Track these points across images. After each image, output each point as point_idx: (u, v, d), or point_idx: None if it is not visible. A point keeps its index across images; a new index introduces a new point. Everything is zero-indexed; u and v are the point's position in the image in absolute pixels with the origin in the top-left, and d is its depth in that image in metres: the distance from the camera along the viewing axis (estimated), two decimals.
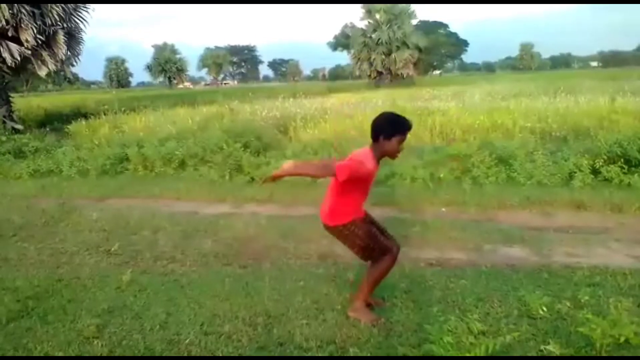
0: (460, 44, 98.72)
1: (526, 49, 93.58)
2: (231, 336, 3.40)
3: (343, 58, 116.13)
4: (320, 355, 3.14)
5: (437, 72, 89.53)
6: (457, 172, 7.93)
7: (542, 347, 3.05)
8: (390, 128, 3.29)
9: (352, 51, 49.59)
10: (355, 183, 3.24)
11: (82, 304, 4.00)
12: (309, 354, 3.15)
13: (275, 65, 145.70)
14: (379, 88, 37.56)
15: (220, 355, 3.16)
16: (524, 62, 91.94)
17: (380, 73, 46.73)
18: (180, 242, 5.58)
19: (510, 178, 7.63)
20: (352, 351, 3.14)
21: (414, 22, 48.01)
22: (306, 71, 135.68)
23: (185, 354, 3.20)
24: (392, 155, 3.39)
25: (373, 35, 46.11)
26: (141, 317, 3.74)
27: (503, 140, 9.70)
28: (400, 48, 45.30)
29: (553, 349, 2.97)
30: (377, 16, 46.26)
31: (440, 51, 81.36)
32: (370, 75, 47.80)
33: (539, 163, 7.69)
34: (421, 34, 48.12)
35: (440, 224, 5.85)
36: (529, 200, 6.64)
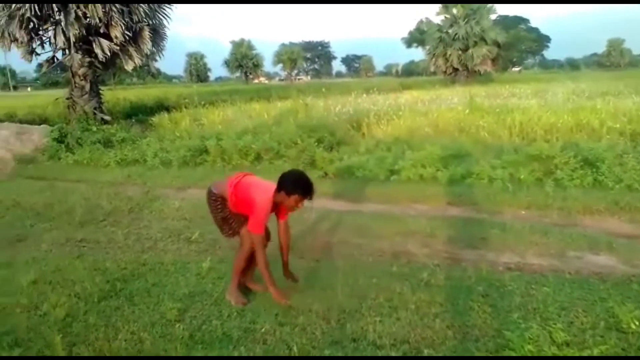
0: (542, 40, 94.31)
1: (615, 44, 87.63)
2: (305, 328, 3.45)
3: (417, 54, 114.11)
4: (393, 354, 3.12)
5: (517, 68, 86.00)
6: (538, 174, 7.59)
7: None
8: (292, 188, 3.58)
9: (427, 47, 48.64)
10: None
11: (165, 288, 4.20)
12: (382, 352, 3.14)
13: (348, 61, 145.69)
14: (455, 85, 36.63)
15: (295, 347, 3.21)
16: (612, 59, 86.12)
17: (456, 69, 45.50)
18: None
19: (597, 181, 7.21)
20: (427, 352, 3.10)
21: (493, 17, 46.36)
22: (379, 67, 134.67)
23: (261, 343, 3.28)
24: (288, 210, 3.77)
25: (450, 31, 44.92)
26: (219, 304, 3.88)
27: (589, 141, 9.19)
28: (477, 44, 43.86)
29: None
30: (454, 11, 45.08)
31: (521, 47, 78.13)
32: (445, 72, 46.66)
33: (629, 166, 7.22)
34: (500, 29, 46.31)
35: (520, 227, 5.62)
36: (618, 206, 6.24)
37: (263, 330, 3.44)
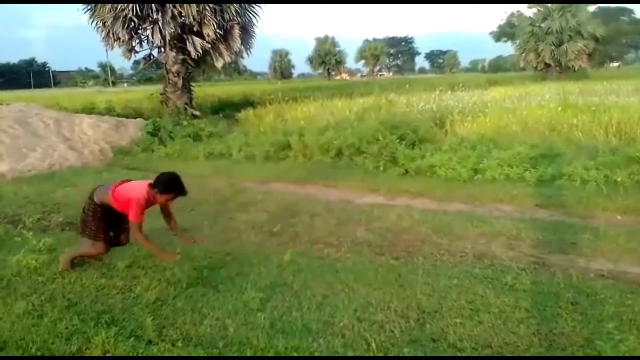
0: None
1: None
2: (384, 325, 3.45)
3: (505, 49, 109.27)
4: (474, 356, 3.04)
5: (615, 64, 79.97)
6: (638, 177, 7.06)
7: None
8: (164, 187, 4.14)
9: (518, 41, 46.45)
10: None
11: (248, 278, 4.35)
12: (463, 355, 3.07)
13: (432, 56, 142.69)
14: (546, 81, 34.79)
15: (374, 343, 3.21)
16: None
17: (547, 65, 43.12)
18: (336, 229, 5.77)
19: None
20: None
21: (592, 8, 43.41)
22: (464, 63, 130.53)
23: (340, 337, 3.32)
24: (160, 205, 4.35)
25: (542, 25, 42.64)
26: (299, 296, 3.97)
27: None
28: (573, 38, 41.27)
29: None
30: (548, 4, 42.71)
31: (621, 41, 72.44)
32: (536, 67, 44.37)
33: None
34: (599, 22, 43.28)
35: (615, 232, 5.25)
36: None
37: (341, 324, 3.48)
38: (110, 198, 4.33)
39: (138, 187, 4.27)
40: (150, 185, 4.19)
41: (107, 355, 3.16)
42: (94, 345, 3.22)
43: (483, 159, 8.28)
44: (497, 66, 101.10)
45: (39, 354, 3.20)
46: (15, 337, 3.37)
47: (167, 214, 4.56)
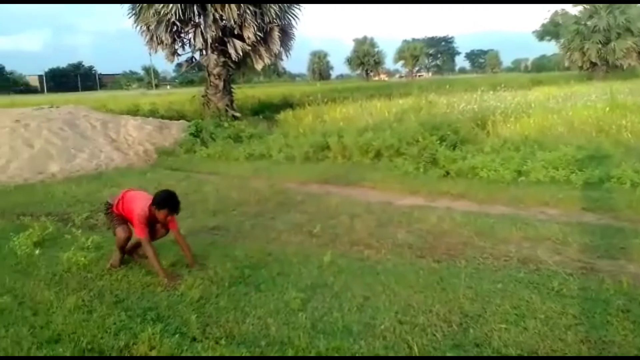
0: None
1: None
2: (425, 329, 3.41)
3: (549, 48, 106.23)
4: None
5: None
6: None
7: None
8: (159, 203, 4.44)
9: (562, 40, 45.06)
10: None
11: (288, 278, 4.39)
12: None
13: (472, 56, 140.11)
14: (592, 80, 33.68)
15: (416, 347, 3.18)
16: None
17: (594, 64, 41.70)
18: (375, 230, 5.74)
19: None
20: None
21: None
22: (506, 62, 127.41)
23: (381, 339, 3.30)
24: (160, 221, 4.60)
25: (589, 23, 41.26)
26: (340, 297, 3.97)
27: None
28: (621, 35, 39.75)
29: None
30: None
31: None
32: (581, 67, 42.97)
33: None
34: None
35: None
36: None
37: (382, 327, 3.46)
38: (119, 199, 4.73)
39: (141, 202, 4.55)
40: (151, 203, 4.49)
41: (152, 352, 3.24)
42: (141, 341, 3.30)
43: (527, 161, 8.08)
44: (541, 66, 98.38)
45: (89, 347, 3.31)
46: (67, 331, 3.50)
47: (176, 235, 4.74)
